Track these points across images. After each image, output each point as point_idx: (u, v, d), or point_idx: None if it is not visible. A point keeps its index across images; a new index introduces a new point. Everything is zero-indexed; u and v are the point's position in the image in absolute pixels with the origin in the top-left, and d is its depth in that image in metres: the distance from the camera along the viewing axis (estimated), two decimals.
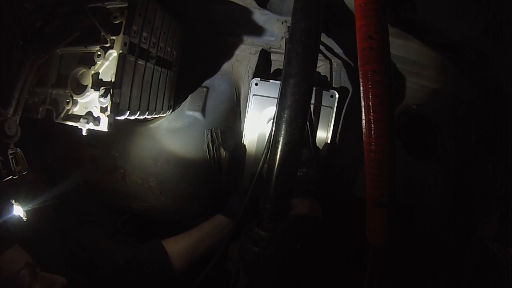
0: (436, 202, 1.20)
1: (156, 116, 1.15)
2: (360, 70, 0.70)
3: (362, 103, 0.70)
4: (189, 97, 1.30)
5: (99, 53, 0.85)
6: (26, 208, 0.87)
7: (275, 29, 1.15)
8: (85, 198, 1.55)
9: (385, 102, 0.68)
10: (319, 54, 1.27)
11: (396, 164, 0.69)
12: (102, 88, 0.84)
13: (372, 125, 0.68)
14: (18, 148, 0.83)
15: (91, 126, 0.87)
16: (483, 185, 1.17)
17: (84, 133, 0.87)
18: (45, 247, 1.30)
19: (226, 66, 1.35)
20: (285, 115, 0.78)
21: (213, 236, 1.04)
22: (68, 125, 0.91)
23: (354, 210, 0.93)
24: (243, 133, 1.30)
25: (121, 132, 1.29)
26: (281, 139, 0.78)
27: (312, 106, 1.22)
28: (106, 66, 0.87)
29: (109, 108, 0.84)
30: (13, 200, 0.84)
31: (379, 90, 0.67)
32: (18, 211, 0.85)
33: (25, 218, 0.86)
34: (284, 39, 1.13)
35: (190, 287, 0.99)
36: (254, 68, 1.30)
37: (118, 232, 1.59)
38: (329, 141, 1.28)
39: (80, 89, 0.90)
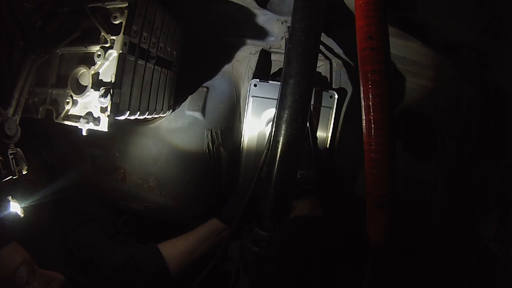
0: (436, 202, 1.20)
1: (156, 116, 1.15)
2: (360, 70, 0.70)
3: (362, 103, 0.70)
4: (189, 97, 1.30)
5: (99, 53, 0.85)
6: (23, 205, 0.87)
7: (275, 29, 1.15)
8: (85, 198, 1.55)
9: (385, 102, 0.68)
10: (319, 54, 1.27)
11: (396, 164, 0.69)
12: (102, 88, 0.84)
13: (372, 125, 0.68)
14: (18, 148, 0.83)
15: (91, 126, 0.87)
16: (483, 185, 1.17)
17: (84, 133, 0.87)
18: (45, 245, 1.30)
19: (226, 66, 1.35)
20: (285, 115, 0.78)
21: (210, 239, 1.04)
22: (68, 125, 0.91)
23: (354, 210, 0.93)
24: (243, 134, 1.30)
25: (121, 132, 1.29)
26: (281, 139, 0.78)
27: (311, 106, 1.22)
28: (106, 66, 0.87)
29: (109, 108, 0.84)
30: (10, 197, 0.84)
31: (379, 90, 0.67)
32: (15, 207, 0.84)
33: (22, 215, 0.85)
34: (284, 39, 1.13)
35: (190, 287, 0.99)
36: (254, 68, 1.30)
37: (118, 232, 1.59)
38: (329, 141, 1.28)
39: (80, 89, 0.90)
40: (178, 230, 1.07)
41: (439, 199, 1.19)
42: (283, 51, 1.15)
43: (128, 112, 0.94)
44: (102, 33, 0.88)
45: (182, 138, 1.28)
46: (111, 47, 0.85)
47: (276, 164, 0.79)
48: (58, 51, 0.96)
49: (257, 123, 1.27)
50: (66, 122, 0.91)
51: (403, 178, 1.19)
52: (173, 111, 1.27)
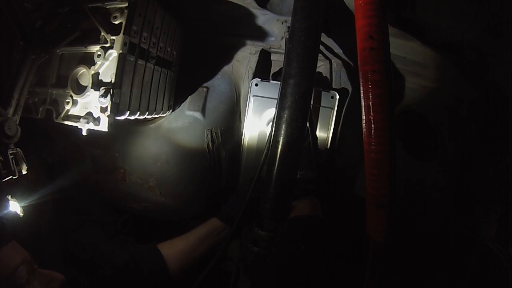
0: (436, 202, 1.20)
1: (156, 116, 1.15)
2: (360, 70, 0.70)
3: (362, 103, 0.70)
4: (189, 97, 1.30)
5: (99, 53, 0.85)
6: (22, 204, 0.87)
7: (275, 29, 1.15)
8: (85, 198, 1.55)
9: (385, 102, 0.68)
10: (319, 54, 1.27)
11: (396, 164, 0.69)
12: (102, 88, 0.84)
13: (372, 125, 0.68)
14: (18, 148, 0.83)
15: (91, 126, 0.87)
16: (483, 185, 1.17)
17: (84, 133, 0.87)
18: (45, 245, 1.30)
19: (226, 66, 1.35)
20: (285, 115, 0.78)
21: (210, 239, 1.04)
22: (68, 125, 0.91)
23: (354, 210, 0.93)
24: (243, 133, 1.30)
25: (121, 132, 1.29)
26: (281, 139, 0.78)
27: (312, 107, 1.22)
28: (106, 66, 0.87)
29: (109, 108, 0.84)
30: (9, 196, 0.83)
31: (379, 90, 0.67)
32: (15, 207, 0.84)
33: (22, 214, 0.85)
34: (284, 39, 1.13)
35: (190, 287, 0.99)
36: (254, 68, 1.30)
37: (118, 232, 1.59)
38: (329, 142, 1.28)
39: (80, 89, 0.90)
40: (178, 230, 1.07)
41: (439, 199, 1.20)
42: (283, 51, 1.15)
43: (128, 112, 0.94)
44: (102, 33, 0.87)
45: (182, 138, 1.28)
46: (111, 47, 0.85)
47: (276, 164, 0.79)
48: (58, 51, 0.96)
49: (258, 123, 1.27)
50: (66, 122, 0.91)
51: (403, 178, 1.19)
52: (173, 111, 1.27)
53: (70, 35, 0.93)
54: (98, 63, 0.86)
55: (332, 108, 1.25)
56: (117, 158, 1.34)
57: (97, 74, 0.87)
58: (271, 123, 1.23)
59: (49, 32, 0.95)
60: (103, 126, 0.85)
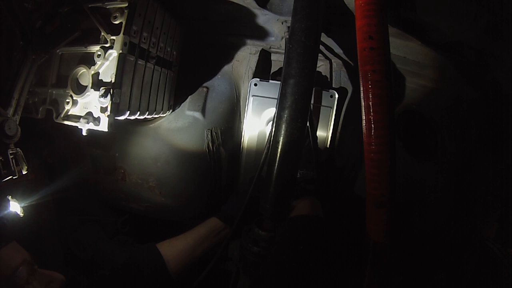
0: (436, 202, 1.20)
1: (156, 116, 1.15)
2: (360, 70, 0.70)
3: (362, 103, 0.70)
4: (189, 97, 1.30)
5: (99, 53, 0.85)
6: (23, 205, 0.87)
7: (275, 29, 1.15)
8: (85, 198, 1.55)
9: (385, 102, 0.68)
10: (319, 54, 1.27)
11: (396, 164, 0.70)
12: (102, 88, 0.84)
13: (372, 125, 0.68)
14: (18, 148, 0.83)
15: (91, 126, 0.87)
16: (483, 185, 1.17)
17: (84, 133, 0.87)
18: (45, 245, 1.30)
19: (226, 66, 1.35)
20: (285, 115, 0.78)
21: (210, 239, 1.04)
22: (68, 125, 0.91)
23: (354, 210, 0.93)
24: (243, 133, 1.30)
25: (121, 132, 1.29)
26: (281, 139, 0.78)
27: (312, 106, 1.22)
28: (106, 66, 0.87)
29: (109, 108, 0.84)
30: (10, 196, 0.84)
31: (379, 90, 0.67)
32: (15, 207, 0.84)
33: (22, 214, 0.85)
34: (284, 39, 1.13)
35: (190, 287, 0.99)
36: (254, 68, 1.30)
37: (118, 232, 1.59)
38: (329, 141, 1.28)
39: (80, 89, 0.90)
40: (178, 230, 1.07)
41: (439, 199, 1.19)
42: (283, 51, 1.14)
43: (128, 112, 0.94)
44: (102, 33, 0.88)
45: (182, 138, 1.28)
46: (111, 47, 0.85)
47: (276, 164, 0.79)
48: (58, 51, 0.96)
49: (257, 123, 1.27)
50: (66, 122, 0.91)
51: (403, 178, 1.19)
52: (173, 111, 1.27)
53: (70, 35, 0.94)
54: (98, 63, 0.86)
55: (332, 107, 1.25)
56: (117, 158, 1.34)
57: (97, 74, 0.87)
58: (270, 122, 1.23)
59: (49, 32, 0.95)
60: (103, 126, 0.85)
